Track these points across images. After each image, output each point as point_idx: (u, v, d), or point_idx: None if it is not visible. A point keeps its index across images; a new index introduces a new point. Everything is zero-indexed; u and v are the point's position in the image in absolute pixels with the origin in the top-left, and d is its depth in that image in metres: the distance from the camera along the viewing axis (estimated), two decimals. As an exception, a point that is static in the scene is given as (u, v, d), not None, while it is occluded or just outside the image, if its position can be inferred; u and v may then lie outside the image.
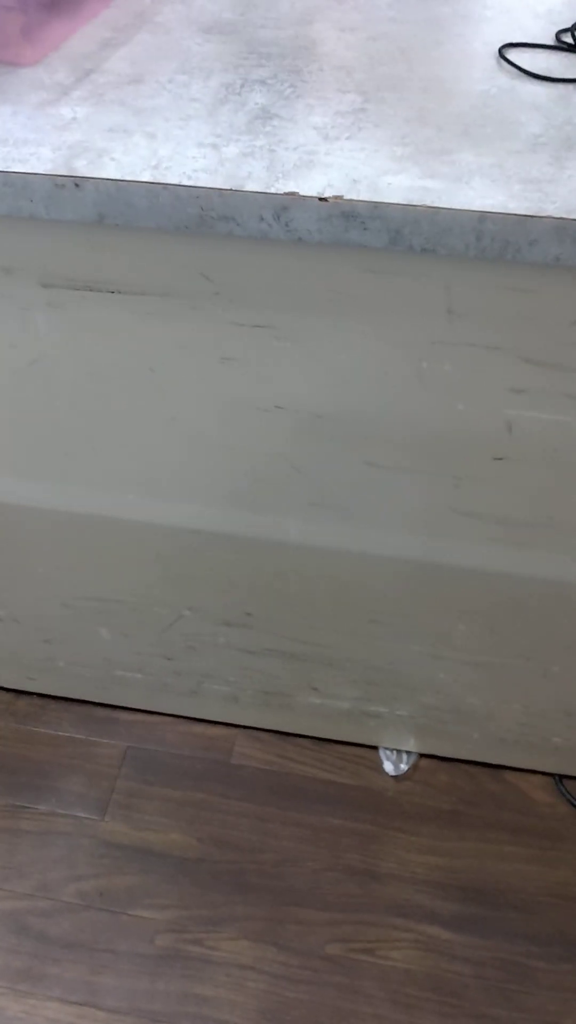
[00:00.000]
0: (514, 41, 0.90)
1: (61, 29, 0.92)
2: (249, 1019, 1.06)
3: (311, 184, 0.73)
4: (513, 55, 0.88)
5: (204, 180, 0.74)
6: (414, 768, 1.26)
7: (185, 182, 0.74)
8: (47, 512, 1.06)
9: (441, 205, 0.71)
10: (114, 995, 1.08)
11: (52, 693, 1.32)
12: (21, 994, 1.08)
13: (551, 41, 0.91)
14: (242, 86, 0.84)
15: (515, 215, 0.69)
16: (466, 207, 0.70)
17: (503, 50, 0.89)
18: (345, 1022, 1.06)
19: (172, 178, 0.74)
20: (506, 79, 0.85)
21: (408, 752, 1.26)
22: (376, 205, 0.71)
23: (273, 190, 0.72)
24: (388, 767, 1.25)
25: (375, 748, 1.27)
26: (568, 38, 0.91)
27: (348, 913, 1.14)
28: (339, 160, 0.75)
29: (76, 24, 0.94)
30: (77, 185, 0.75)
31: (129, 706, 1.31)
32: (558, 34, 0.92)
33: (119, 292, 0.84)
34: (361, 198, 0.71)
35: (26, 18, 0.87)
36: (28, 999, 1.08)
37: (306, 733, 1.28)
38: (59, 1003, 1.07)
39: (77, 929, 1.12)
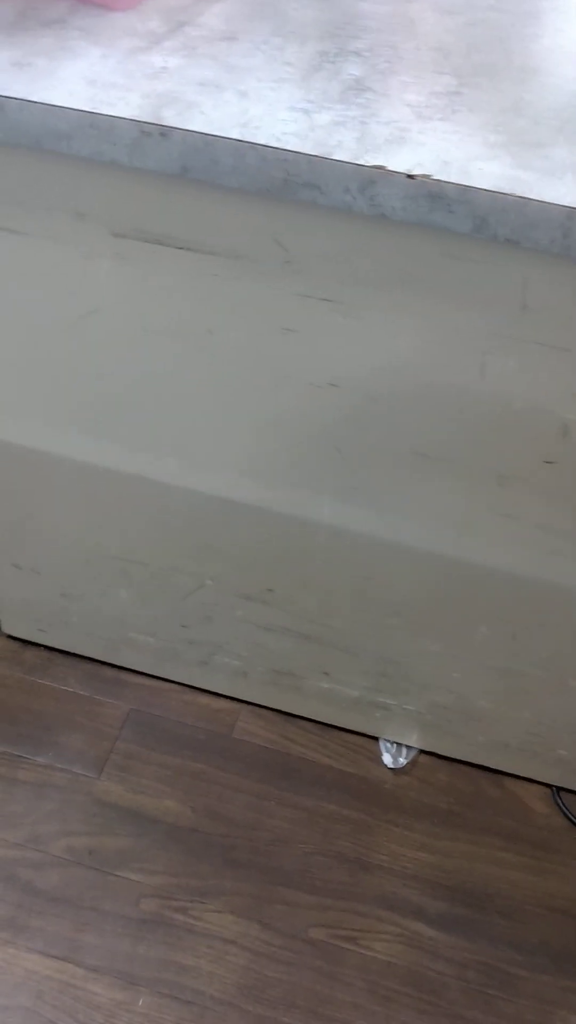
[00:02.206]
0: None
1: (156, -22, 0.90)
2: (227, 992, 1.06)
3: (401, 160, 0.72)
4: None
5: (293, 144, 0.73)
6: (413, 764, 1.25)
7: (274, 144, 0.72)
8: (81, 465, 1.05)
9: (532, 197, 0.70)
10: (94, 953, 1.07)
11: (61, 647, 1.31)
12: (2, 942, 1.07)
13: None
14: (337, 55, 0.83)
15: (607, 215, 0.68)
16: (557, 202, 0.69)
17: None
18: (322, 1007, 1.05)
19: (261, 138, 0.73)
20: (603, 80, 0.84)
21: (408, 747, 1.26)
22: (465, 189, 0.70)
23: (362, 162, 0.71)
24: (387, 759, 1.25)
25: (376, 739, 1.27)
26: None
27: (335, 899, 1.13)
28: (431, 140, 0.74)
29: (172, -25, 0.92)
30: (164, 135, 0.74)
31: (137, 669, 1.30)
32: None
33: (189, 249, 0.83)
34: (451, 180, 0.70)
35: (122, -38, 0.85)
36: (8, 948, 1.07)
37: (310, 716, 1.27)
38: (39, 955, 1.07)
39: (64, 884, 1.12)
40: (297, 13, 0.89)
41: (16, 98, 0.76)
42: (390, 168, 0.72)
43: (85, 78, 0.78)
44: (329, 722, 1.27)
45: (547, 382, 0.82)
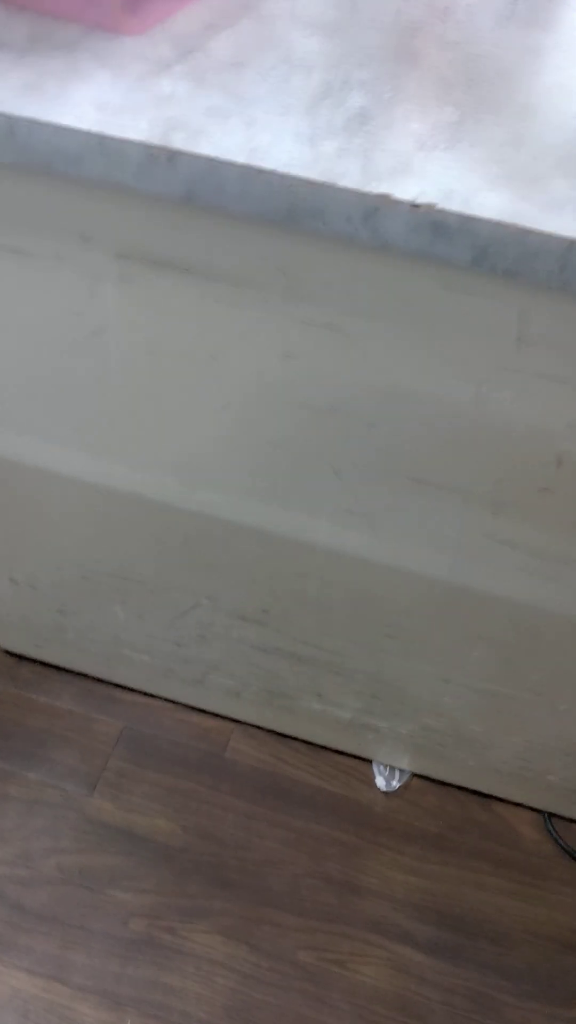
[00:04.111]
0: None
1: (166, 5, 0.92)
2: (214, 1015, 1.05)
3: (404, 190, 0.73)
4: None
5: (299, 172, 0.74)
6: (405, 787, 1.25)
7: (280, 171, 0.73)
8: (81, 483, 1.06)
9: (532, 228, 0.71)
10: (82, 972, 1.07)
11: (56, 663, 1.32)
12: (-11, 959, 1.07)
13: None
14: (342, 85, 0.84)
15: (605, 249, 0.70)
16: (557, 234, 0.70)
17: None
18: (308, 1030, 1.05)
19: (267, 166, 0.74)
20: (603, 115, 0.85)
21: (401, 770, 1.26)
22: (467, 219, 0.71)
23: (366, 190, 0.72)
24: (380, 782, 1.25)
25: (369, 762, 1.27)
26: None
27: (323, 922, 1.13)
28: (434, 171, 0.75)
29: (181, 2, 0.94)
30: (171, 160, 0.75)
31: (130, 687, 1.30)
32: None
33: (193, 274, 0.84)
34: (453, 210, 0.71)
35: (130, -11, 0.87)
36: (-5, 965, 1.07)
37: (303, 737, 1.28)
38: (26, 974, 1.06)
39: (53, 902, 1.12)
40: (303, 43, 0.90)
41: (26, 118, 0.77)
42: (394, 196, 0.73)
43: (95, 101, 0.79)
44: (321, 743, 1.28)
45: (543, 412, 0.82)
